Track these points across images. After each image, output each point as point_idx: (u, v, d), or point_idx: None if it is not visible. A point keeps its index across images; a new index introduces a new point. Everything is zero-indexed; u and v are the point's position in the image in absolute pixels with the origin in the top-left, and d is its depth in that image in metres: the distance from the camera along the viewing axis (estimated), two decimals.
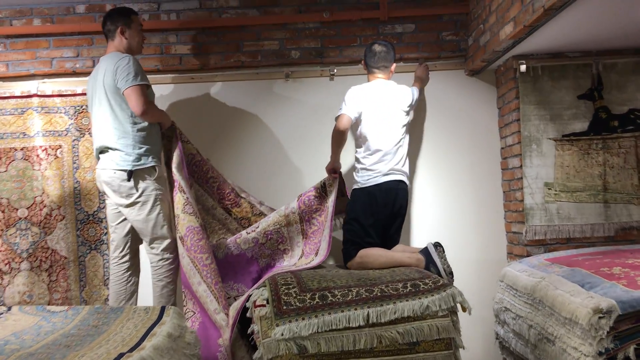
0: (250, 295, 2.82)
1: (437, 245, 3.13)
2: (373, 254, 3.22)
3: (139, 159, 3.18)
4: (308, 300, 2.62)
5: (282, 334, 2.51)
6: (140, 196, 3.19)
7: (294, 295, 2.65)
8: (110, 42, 3.33)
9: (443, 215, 3.99)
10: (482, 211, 3.99)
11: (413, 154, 4.00)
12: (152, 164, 3.23)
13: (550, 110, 3.68)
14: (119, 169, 3.16)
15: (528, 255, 3.62)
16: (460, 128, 4.02)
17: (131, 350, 2.13)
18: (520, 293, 3.17)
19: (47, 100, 3.84)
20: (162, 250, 3.28)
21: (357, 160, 3.45)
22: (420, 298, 2.60)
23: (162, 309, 2.72)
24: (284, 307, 2.59)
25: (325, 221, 3.44)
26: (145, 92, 3.17)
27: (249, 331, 2.71)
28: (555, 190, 3.66)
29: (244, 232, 3.43)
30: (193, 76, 3.94)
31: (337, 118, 3.36)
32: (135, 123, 3.20)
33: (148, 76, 3.29)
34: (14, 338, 2.25)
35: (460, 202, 4.00)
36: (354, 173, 3.48)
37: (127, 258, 3.35)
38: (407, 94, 3.53)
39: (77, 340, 2.26)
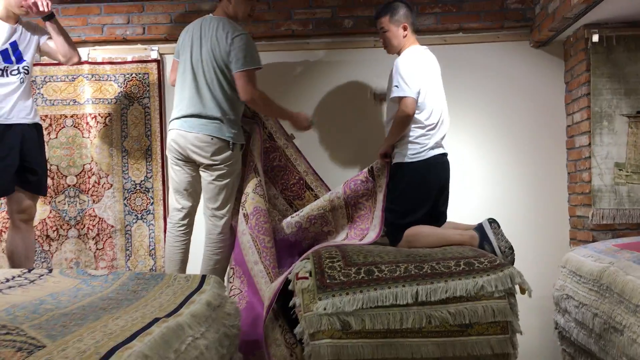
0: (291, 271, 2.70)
1: (492, 222, 2.91)
2: (421, 232, 3.01)
3: (235, 131, 3.16)
4: (353, 275, 2.47)
5: (325, 309, 2.37)
6: (228, 165, 3.16)
7: (338, 269, 2.51)
8: (219, 3, 3.23)
9: (501, 196, 3.78)
10: (544, 193, 3.77)
11: (472, 130, 3.80)
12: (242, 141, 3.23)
13: (624, 84, 3.42)
14: (216, 136, 3.09)
15: (594, 241, 3.39)
16: (522, 103, 3.79)
17: (168, 315, 2.05)
18: (584, 279, 2.94)
19: (97, 67, 3.82)
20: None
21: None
22: (474, 277, 2.41)
23: (203, 278, 2.65)
24: (327, 281, 2.45)
25: (372, 206, 3.27)
26: (255, 76, 3.11)
27: (291, 304, 2.59)
28: (627, 172, 3.41)
29: (288, 217, 3.32)
30: None
31: (401, 100, 3.02)
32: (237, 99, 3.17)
33: None
34: (50, 299, 2.20)
35: (521, 183, 3.79)
36: (395, 147, 3.18)
37: (190, 226, 3.33)
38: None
39: (114, 304, 2.19)
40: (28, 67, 3.17)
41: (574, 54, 3.60)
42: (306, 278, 2.51)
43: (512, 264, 2.86)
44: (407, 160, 3.12)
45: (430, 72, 3.14)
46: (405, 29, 3.17)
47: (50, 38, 3.22)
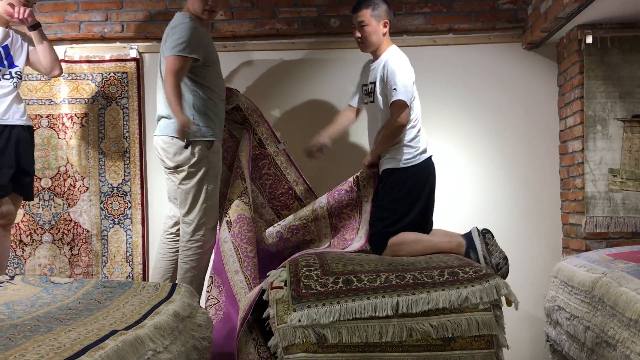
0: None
1: (486, 233, 2.77)
2: (407, 239, 2.87)
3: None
4: (330, 285, 2.34)
5: (299, 320, 2.23)
6: (191, 165, 2.96)
7: (315, 278, 2.38)
8: None
9: (492, 202, 3.67)
10: (536, 199, 3.66)
11: (462, 134, 3.70)
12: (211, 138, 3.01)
13: (619, 87, 3.31)
14: (175, 135, 2.90)
15: (587, 250, 3.27)
16: (514, 107, 3.68)
17: (128, 327, 1.91)
18: (576, 290, 2.82)
19: (74, 66, 3.70)
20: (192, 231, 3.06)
21: None
22: (458, 288, 2.28)
23: (173, 287, 2.51)
24: (303, 291, 2.32)
25: (357, 216, 3.13)
26: (180, 64, 2.86)
27: (264, 315, 2.46)
28: (622, 178, 3.29)
29: (270, 227, 3.19)
30: (226, 44, 3.71)
31: (399, 108, 2.85)
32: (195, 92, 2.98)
33: None
34: (4, 308, 2.07)
35: (512, 189, 3.67)
36: (387, 152, 3.00)
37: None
38: None
39: (73, 315, 2.06)
40: (20, 72, 3.15)
41: (567, 55, 3.49)
42: (281, 288, 2.38)
43: (506, 275, 2.75)
44: (401, 165, 2.96)
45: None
46: (385, 25, 3.01)
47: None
